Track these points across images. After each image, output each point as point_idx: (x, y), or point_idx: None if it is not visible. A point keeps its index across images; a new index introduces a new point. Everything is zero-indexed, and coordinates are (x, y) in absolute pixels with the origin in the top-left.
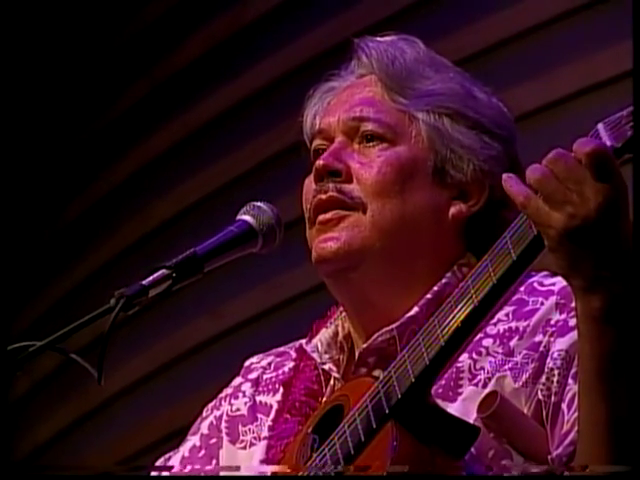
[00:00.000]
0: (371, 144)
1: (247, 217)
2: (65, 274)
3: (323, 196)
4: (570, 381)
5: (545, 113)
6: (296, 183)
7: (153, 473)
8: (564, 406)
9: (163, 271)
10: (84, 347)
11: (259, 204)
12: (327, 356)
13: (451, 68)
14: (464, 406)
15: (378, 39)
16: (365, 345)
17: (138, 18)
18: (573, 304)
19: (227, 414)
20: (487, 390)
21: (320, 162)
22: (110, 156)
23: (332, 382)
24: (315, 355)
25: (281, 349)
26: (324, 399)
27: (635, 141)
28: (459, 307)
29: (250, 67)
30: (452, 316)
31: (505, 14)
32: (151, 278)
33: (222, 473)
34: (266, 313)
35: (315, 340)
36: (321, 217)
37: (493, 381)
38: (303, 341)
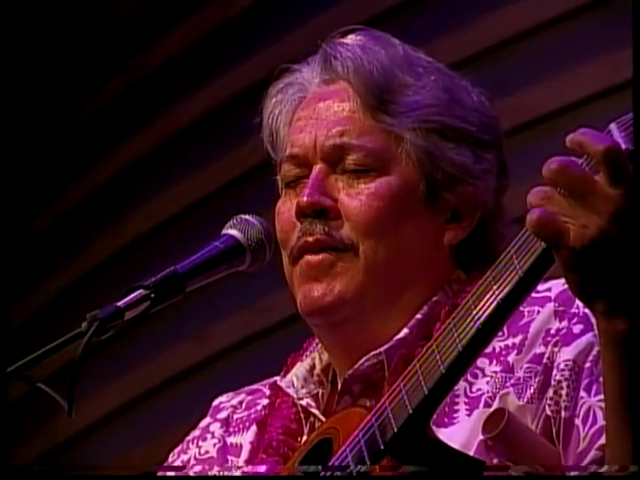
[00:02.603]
0: (357, 174)
1: (234, 231)
2: (30, 295)
3: (310, 239)
4: (583, 394)
5: (563, 116)
6: None
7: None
8: (578, 421)
9: (140, 291)
10: (52, 375)
11: (247, 217)
12: (304, 391)
13: (429, 67)
14: (462, 431)
15: (348, 42)
16: (350, 371)
17: (111, 10)
18: (573, 309)
19: (195, 458)
20: (491, 410)
21: (304, 199)
22: (80, 163)
23: (312, 419)
24: (291, 391)
25: (253, 387)
26: (304, 438)
27: (635, 142)
28: (460, 330)
29: (236, 65)
30: (452, 340)
31: (519, 6)
32: (127, 299)
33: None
34: (254, 337)
35: (290, 375)
36: (310, 257)
37: (497, 400)
38: (277, 378)
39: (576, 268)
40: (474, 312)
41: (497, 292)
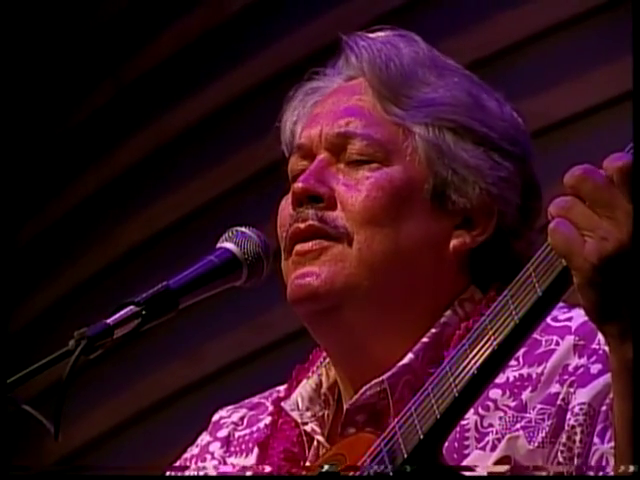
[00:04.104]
0: (359, 164)
1: (229, 245)
2: (16, 310)
3: (301, 225)
4: (596, 440)
5: (578, 123)
6: None
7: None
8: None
9: (131, 308)
10: (38, 396)
11: (243, 229)
12: (309, 414)
13: (456, 71)
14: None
15: (370, 36)
16: (352, 401)
17: (101, 10)
18: (594, 345)
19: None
20: (497, 453)
21: (299, 185)
22: (69, 171)
23: (316, 444)
24: (295, 414)
25: (255, 400)
26: (307, 464)
27: (635, 147)
28: (475, 351)
29: (232, 68)
30: (467, 362)
31: (532, 7)
32: (117, 316)
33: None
34: (251, 357)
35: (294, 395)
36: (299, 247)
37: (503, 443)
38: (281, 388)
39: (592, 284)
40: (490, 333)
41: (514, 312)
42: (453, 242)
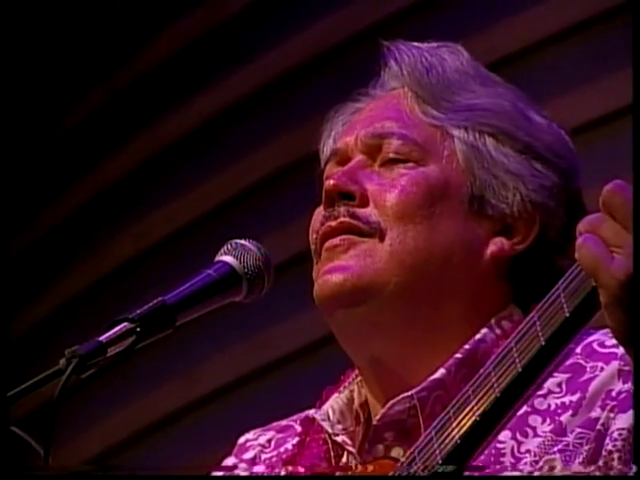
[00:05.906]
0: (394, 163)
1: (228, 258)
2: (4, 327)
3: (333, 223)
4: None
5: (600, 128)
6: (288, 216)
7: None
8: None
9: (125, 324)
10: (27, 417)
11: (243, 242)
12: (340, 426)
13: (501, 84)
14: None
15: (413, 44)
16: (379, 416)
17: (94, 12)
18: None
19: None
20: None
21: (331, 182)
22: (60, 181)
23: (345, 459)
24: (325, 424)
25: (283, 422)
26: None
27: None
28: (499, 374)
29: (230, 73)
30: (490, 385)
31: (547, 8)
32: (110, 333)
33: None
34: (251, 377)
35: (326, 406)
36: (328, 243)
37: (539, 466)
38: (311, 411)
39: (619, 302)
40: (515, 354)
41: (541, 334)
42: (491, 248)
